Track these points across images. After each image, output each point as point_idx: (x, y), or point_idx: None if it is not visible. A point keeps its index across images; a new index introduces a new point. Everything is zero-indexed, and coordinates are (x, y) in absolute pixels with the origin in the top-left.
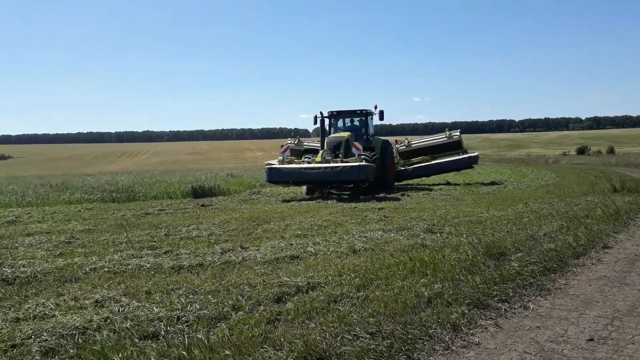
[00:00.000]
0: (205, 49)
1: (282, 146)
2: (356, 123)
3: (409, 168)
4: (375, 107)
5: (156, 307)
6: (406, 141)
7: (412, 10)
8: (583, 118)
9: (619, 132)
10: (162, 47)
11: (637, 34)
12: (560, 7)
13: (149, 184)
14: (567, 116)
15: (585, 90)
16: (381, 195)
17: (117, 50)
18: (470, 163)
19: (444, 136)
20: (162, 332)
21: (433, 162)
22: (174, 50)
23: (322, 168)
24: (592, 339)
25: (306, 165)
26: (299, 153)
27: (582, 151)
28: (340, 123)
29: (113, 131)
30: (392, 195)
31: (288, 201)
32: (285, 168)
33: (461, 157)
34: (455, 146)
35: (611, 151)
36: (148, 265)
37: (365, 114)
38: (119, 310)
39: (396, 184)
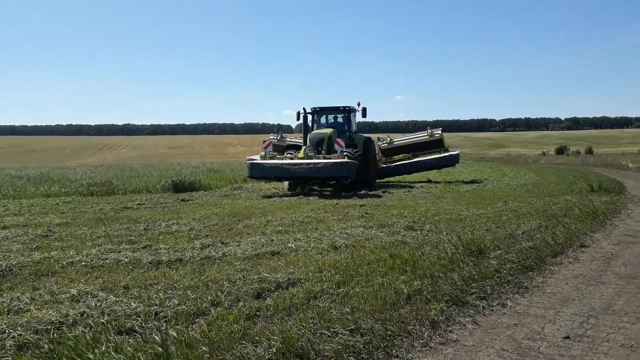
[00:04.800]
0: (188, 44)
1: (264, 141)
2: (339, 120)
3: (391, 165)
4: (358, 104)
5: (134, 302)
6: (388, 139)
7: (395, 11)
8: (562, 118)
9: (597, 133)
10: (145, 41)
11: (617, 38)
12: (542, 9)
13: (129, 177)
14: (546, 116)
15: (565, 92)
16: (363, 192)
17: (98, 42)
18: (451, 161)
19: (425, 134)
20: (139, 328)
21: (414, 159)
22: (156, 44)
23: (305, 164)
24: (568, 337)
25: (288, 161)
26: (281, 149)
27: (561, 151)
28: (323, 119)
29: (93, 124)
30: (373, 192)
31: (269, 197)
32: (267, 164)
33: (442, 155)
34: (437, 144)
35: (589, 151)
36: (126, 260)
37: (348, 111)
38: (95, 305)
39: (378, 181)
